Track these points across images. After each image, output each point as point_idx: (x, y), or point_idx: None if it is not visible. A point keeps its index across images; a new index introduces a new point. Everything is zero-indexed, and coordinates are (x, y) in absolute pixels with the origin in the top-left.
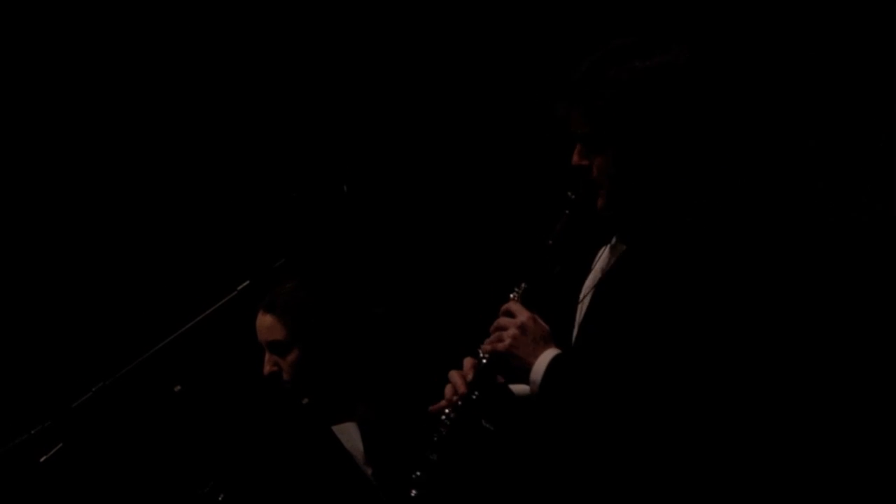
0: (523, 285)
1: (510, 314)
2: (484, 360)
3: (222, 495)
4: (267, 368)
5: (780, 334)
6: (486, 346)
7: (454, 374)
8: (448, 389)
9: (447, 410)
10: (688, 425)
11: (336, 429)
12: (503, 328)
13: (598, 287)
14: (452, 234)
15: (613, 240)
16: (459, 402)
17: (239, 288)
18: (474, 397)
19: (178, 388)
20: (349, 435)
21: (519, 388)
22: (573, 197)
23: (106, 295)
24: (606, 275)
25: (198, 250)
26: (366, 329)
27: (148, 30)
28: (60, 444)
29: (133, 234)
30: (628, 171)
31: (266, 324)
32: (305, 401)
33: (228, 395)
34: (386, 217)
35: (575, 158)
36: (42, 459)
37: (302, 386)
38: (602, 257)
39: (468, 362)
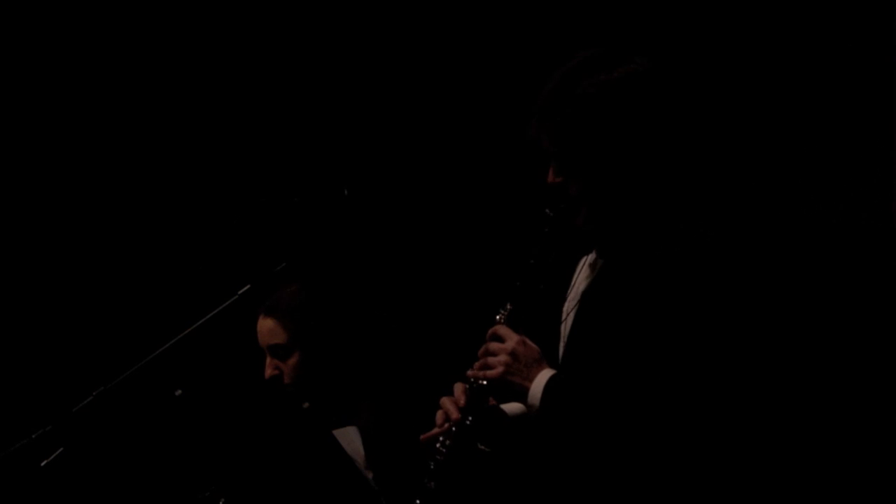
0: (508, 306)
1: (498, 338)
2: (475, 385)
3: (223, 499)
4: (268, 372)
5: (770, 341)
6: (477, 373)
7: (445, 401)
8: (440, 416)
9: (441, 438)
10: (688, 433)
11: (337, 433)
12: (493, 353)
13: (583, 302)
14: (452, 236)
15: (593, 254)
16: (454, 429)
17: (240, 292)
18: (468, 422)
19: (178, 392)
20: (350, 439)
21: (511, 408)
22: (551, 214)
23: (107, 299)
24: (589, 290)
25: (199, 254)
26: (366, 333)
27: (149, 33)
28: (61, 449)
29: (134, 238)
30: (606, 184)
31: (267, 327)
32: (306, 405)
33: (229, 399)
34: (386, 221)
35: (550, 177)
36: (43, 464)
37: (303, 389)
38: (582, 272)
39: (458, 388)
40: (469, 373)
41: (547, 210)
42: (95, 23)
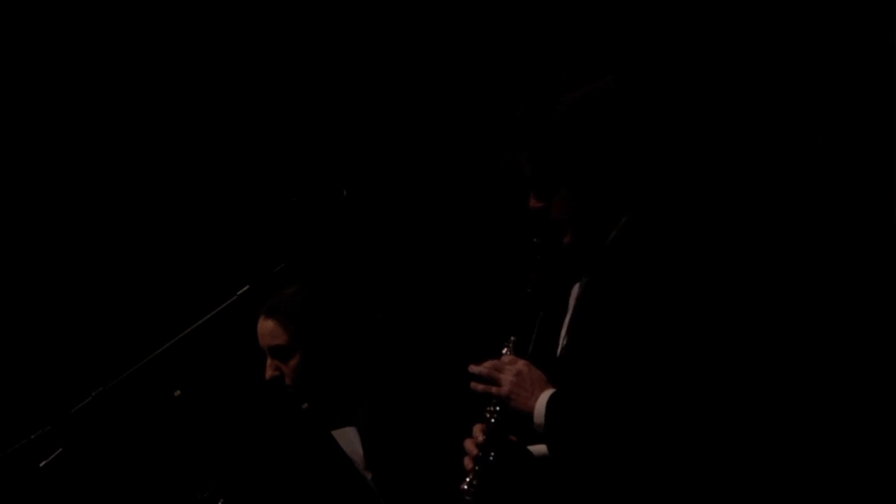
0: (512, 338)
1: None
2: (492, 421)
3: (222, 500)
4: (269, 373)
5: (768, 344)
6: (480, 386)
7: (467, 443)
8: (466, 460)
9: (468, 478)
10: (689, 437)
11: (336, 433)
12: (499, 370)
13: (573, 321)
14: (451, 235)
15: (585, 278)
16: (477, 468)
17: (239, 293)
18: (490, 458)
19: (177, 392)
20: (349, 439)
21: (537, 449)
22: (538, 241)
23: (106, 299)
24: (578, 308)
25: (198, 255)
26: (366, 333)
27: (149, 33)
28: (60, 450)
29: (133, 238)
30: (586, 201)
31: (268, 329)
32: (305, 405)
33: (228, 399)
34: (386, 221)
35: (531, 202)
36: (42, 464)
37: (304, 390)
38: (575, 294)
39: (477, 428)
40: (486, 409)
41: (535, 238)
42: (95, 23)
